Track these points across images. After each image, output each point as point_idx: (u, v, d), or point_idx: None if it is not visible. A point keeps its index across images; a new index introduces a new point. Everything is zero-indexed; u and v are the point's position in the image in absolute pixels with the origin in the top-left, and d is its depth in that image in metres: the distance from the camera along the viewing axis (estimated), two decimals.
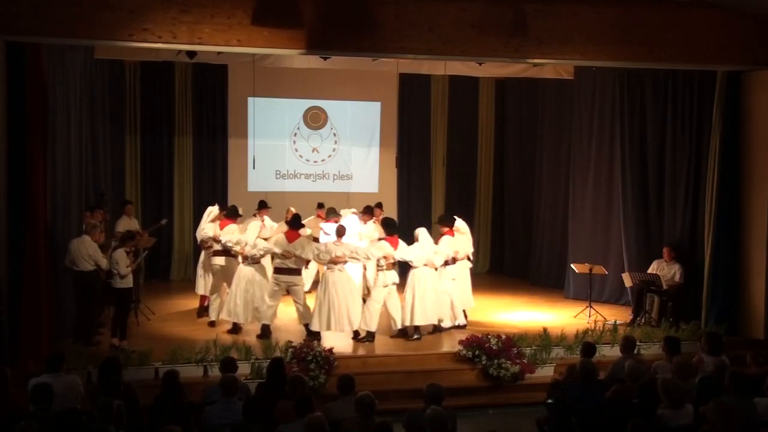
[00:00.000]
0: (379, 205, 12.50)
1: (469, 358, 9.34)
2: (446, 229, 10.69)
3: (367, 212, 11.96)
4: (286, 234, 10.05)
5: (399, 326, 10.13)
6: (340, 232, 10.11)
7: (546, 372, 9.34)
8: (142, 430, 6.17)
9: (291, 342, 9.23)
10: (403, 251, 10.04)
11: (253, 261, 10.17)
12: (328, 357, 8.88)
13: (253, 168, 12.82)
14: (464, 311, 10.82)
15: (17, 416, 5.78)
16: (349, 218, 11.81)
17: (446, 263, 10.47)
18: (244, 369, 8.45)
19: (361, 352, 9.68)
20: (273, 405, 6.36)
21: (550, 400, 7.38)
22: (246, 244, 10.10)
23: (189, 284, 12.22)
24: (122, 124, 13.49)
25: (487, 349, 9.26)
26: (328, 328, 9.79)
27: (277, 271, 10.08)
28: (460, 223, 10.85)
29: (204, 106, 14.04)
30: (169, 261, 14.00)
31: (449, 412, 5.88)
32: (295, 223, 10.26)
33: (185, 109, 13.93)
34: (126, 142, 13.64)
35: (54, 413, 5.66)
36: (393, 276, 10.10)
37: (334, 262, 9.78)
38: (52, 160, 9.36)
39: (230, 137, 14.16)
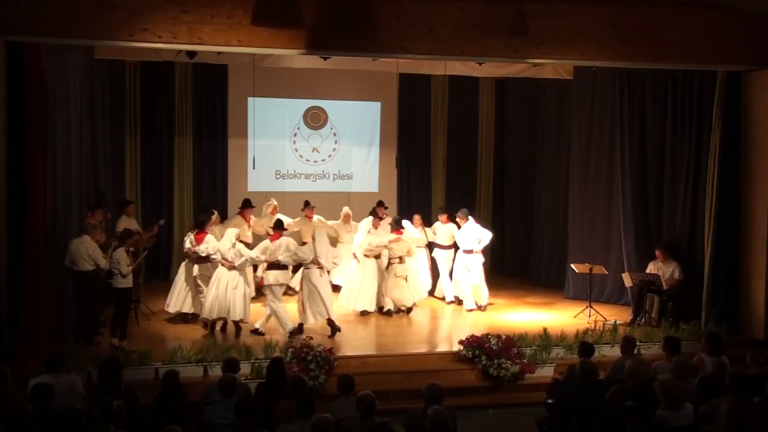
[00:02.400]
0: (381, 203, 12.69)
1: (469, 358, 9.35)
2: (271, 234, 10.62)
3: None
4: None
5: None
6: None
7: (546, 372, 9.34)
8: (142, 430, 6.17)
9: (291, 342, 9.25)
10: (202, 247, 10.24)
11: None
12: (328, 357, 8.89)
13: (253, 168, 12.84)
14: (299, 325, 10.19)
15: (17, 416, 5.78)
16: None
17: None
18: (244, 369, 8.44)
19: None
20: (273, 405, 6.36)
21: (550, 400, 7.38)
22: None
23: None
24: (122, 124, 13.46)
25: (487, 349, 9.27)
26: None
27: None
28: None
29: (204, 106, 14.01)
30: (169, 261, 13.98)
31: (450, 411, 5.89)
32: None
33: (185, 109, 13.90)
34: (126, 142, 13.61)
35: (54, 413, 5.66)
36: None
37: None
38: (52, 160, 9.35)
39: (230, 137, 14.14)
